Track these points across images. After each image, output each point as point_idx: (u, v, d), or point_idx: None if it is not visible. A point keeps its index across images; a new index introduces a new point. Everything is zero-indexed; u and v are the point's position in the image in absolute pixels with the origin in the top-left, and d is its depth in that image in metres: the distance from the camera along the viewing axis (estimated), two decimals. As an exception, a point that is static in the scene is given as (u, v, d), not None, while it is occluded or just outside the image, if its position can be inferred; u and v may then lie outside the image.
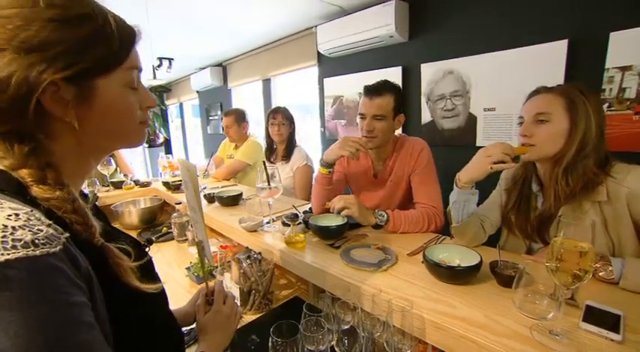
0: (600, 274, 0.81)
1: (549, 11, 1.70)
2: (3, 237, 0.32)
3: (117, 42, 0.45)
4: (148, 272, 0.52)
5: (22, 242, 0.32)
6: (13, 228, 0.33)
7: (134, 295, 0.45)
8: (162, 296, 0.55)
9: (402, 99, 1.41)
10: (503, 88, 1.93)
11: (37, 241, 0.33)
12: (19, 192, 0.39)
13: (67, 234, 0.37)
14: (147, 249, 0.57)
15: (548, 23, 1.71)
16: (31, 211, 0.36)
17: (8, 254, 0.31)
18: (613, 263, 0.81)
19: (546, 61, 1.73)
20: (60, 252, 0.35)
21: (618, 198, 0.88)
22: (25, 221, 0.34)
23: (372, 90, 1.36)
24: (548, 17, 1.71)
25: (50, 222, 0.36)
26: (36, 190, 0.39)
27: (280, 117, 2.25)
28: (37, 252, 0.33)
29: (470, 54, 2.03)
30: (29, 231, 0.33)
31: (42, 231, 0.34)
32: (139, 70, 0.50)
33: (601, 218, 0.90)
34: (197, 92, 5.16)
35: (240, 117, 2.59)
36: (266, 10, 2.54)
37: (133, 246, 0.49)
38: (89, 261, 0.40)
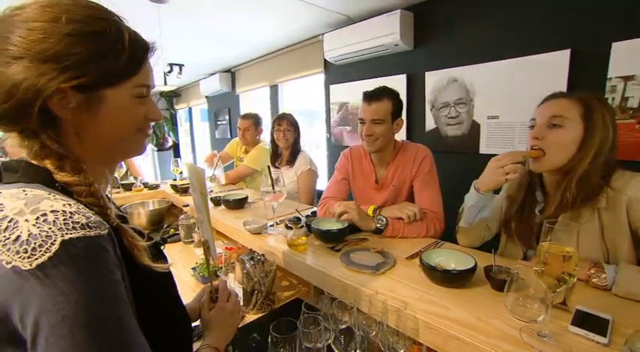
0: (594, 280, 0.83)
1: (552, 21, 1.72)
2: (65, 219, 0.37)
3: (126, 57, 0.48)
4: (159, 252, 0.58)
5: (80, 224, 0.38)
6: (71, 213, 0.38)
7: (145, 275, 0.49)
8: (170, 276, 0.60)
9: (401, 103, 1.43)
10: (507, 96, 1.95)
11: (90, 224, 0.39)
12: (63, 190, 0.44)
13: None
14: (162, 247, 0.61)
15: (551, 33, 1.73)
16: (76, 202, 0.41)
17: (71, 234, 0.37)
18: (606, 269, 0.82)
19: (549, 70, 1.74)
20: (107, 234, 0.40)
21: (618, 206, 0.88)
22: (76, 208, 0.39)
23: (370, 96, 1.39)
24: (552, 27, 1.73)
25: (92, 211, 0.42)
26: (58, 177, 0.45)
27: (286, 124, 2.30)
28: (92, 233, 0.38)
29: (474, 62, 2.06)
30: (83, 215, 0.39)
31: (92, 216, 0.40)
32: (150, 87, 0.54)
33: (599, 225, 0.91)
34: (206, 97, 5.26)
35: (257, 121, 2.64)
36: (274, 19, 2.61)
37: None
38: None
